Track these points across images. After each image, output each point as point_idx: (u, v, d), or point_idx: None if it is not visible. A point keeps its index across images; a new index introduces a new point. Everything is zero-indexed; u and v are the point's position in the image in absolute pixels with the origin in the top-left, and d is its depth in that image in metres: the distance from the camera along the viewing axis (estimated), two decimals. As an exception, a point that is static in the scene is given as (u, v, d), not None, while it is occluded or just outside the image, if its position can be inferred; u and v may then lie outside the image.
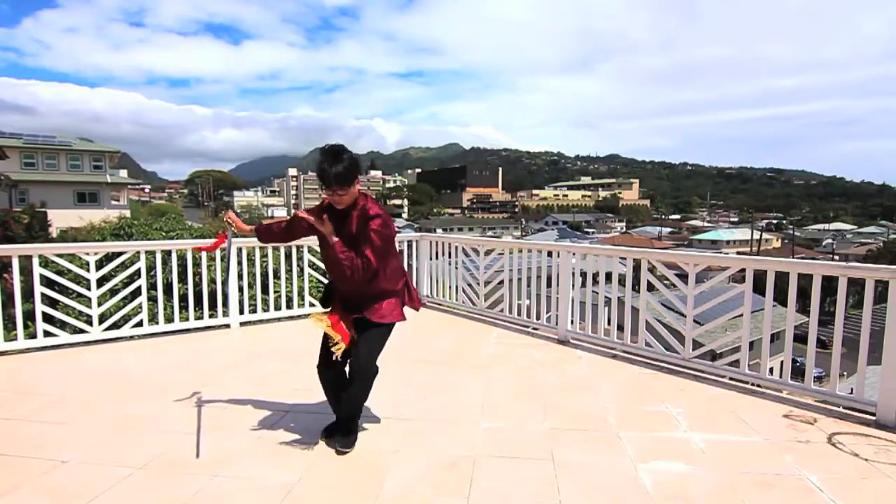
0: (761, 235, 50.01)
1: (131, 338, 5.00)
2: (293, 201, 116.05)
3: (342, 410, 2.78)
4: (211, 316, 5.39)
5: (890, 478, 2.49)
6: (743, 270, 3.92)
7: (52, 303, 4.79)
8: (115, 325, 4.85)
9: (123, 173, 38.81)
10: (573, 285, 4.97)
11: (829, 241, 63.11)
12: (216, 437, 2.87)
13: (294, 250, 5.85)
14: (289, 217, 2.98)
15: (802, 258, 28.96)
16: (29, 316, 4.64)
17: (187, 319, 5.18)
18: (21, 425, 3.03)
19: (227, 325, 5.36)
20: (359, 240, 2.53)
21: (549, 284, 5.25)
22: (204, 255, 5.49)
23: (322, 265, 6.22)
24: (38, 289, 4.43)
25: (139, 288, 4.89)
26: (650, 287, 4.57)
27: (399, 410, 3.25)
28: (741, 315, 3.96)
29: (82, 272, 4.73)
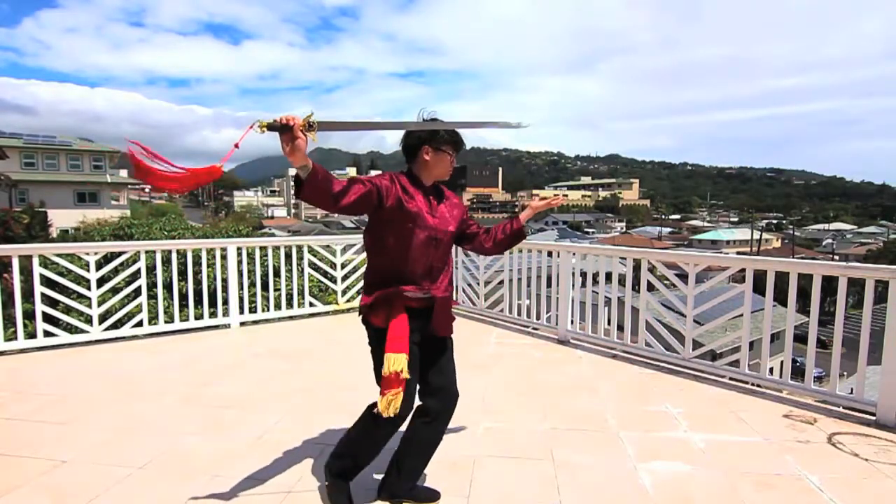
0: (761, 235, 50.03)
1: (131, 338, 5.00)
2: (293, 201, 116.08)
3: (416, 469, 2.22)
4: (211, 315, 5.40)
5: (890, 478, 2.49)
6: (743, 270, 3.92)
7: (52, 303, 4.79)
8: (115, 325, 4.85)
9: (123, 173, 38.81)
10: (573, 285, 4.97)
11: (829, 241, 63.11)
12: (216, 437, 2.87)
13: (294, 250, 5.86)
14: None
15: (802, 258, 28.96)
16: (29, 316, 4.65)
17: (187, 319, 5.18)
18: (21, 425, 3.03)
19: (227, 325, 5.36)
20: (458, 216, 2.27)
21: (549, 284, 5.25)
22: (204, 254, 5.49)
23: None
24: (38, 289, 4.43)
25: (139, 288, 4.89)
26: (650, 287, 4.57)
27: (399, 410, 3.25)
28: (741, 315, 3.96)
29: (82, 272, 4.73)
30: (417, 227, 2.08)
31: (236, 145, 1.75)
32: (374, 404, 2.08)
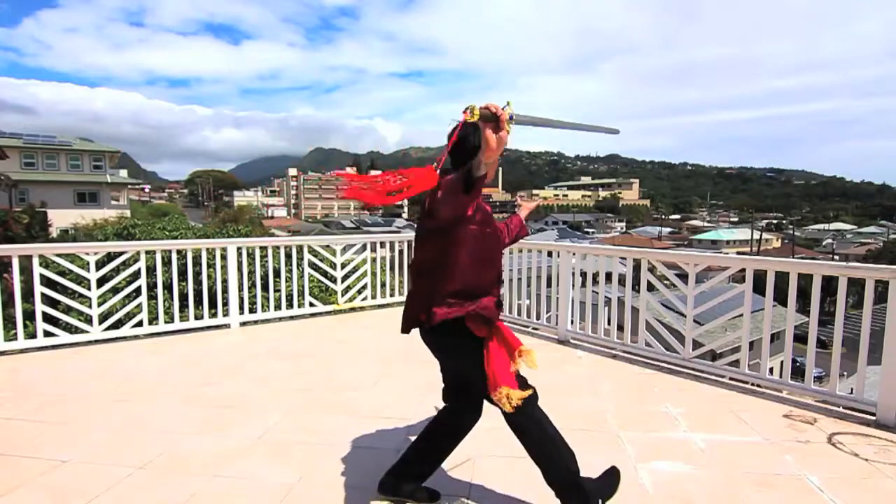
0: (761, 235, 50.02)
1: (132, 338, 5.00)
2: (293, 201, 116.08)
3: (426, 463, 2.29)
4: (211, 315, 5.40)
5: (890, 478, 2.49)
6: (743, 270, 3.92)
7: (53, 303, 4.79)
8: (116, 325, 4.85)
9: (123, 173, 38.83)
10: (573, 285, 4.97)
11: (829, 241, 63.11)
12: (216, 437, 2.87)
13: (294, 250, 5.86)
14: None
15: (802, 258, 28.96)
16: (29, 316, 4.65)
17: (187, 319, 5.18)
18: (21, 425, 3.03)
19: (228, 325, 5.36)
20: None
21: (549, 284, 5.25)
22: (204, 254, 5.47)
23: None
24: (38, 289, 4.43)
25: (139, 288, 4.89)
26: (650, 287, 4.57)
27: (400, 410, 3.25)
28: (741, 315, 3.96)
29: (82, 272, 4.73)
30: (493, 232, 2.06)
31: (453, 137, 1.58)
32: (531, 427, 2.06)
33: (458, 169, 2.02)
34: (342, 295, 6.14)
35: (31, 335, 4.50)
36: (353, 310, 6.20)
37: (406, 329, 2.13)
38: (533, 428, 2.07)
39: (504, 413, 2.02)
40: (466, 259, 1.99)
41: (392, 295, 6.58)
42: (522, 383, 2.04)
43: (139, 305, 4.90)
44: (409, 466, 2.25)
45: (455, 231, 1.97)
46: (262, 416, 3.13)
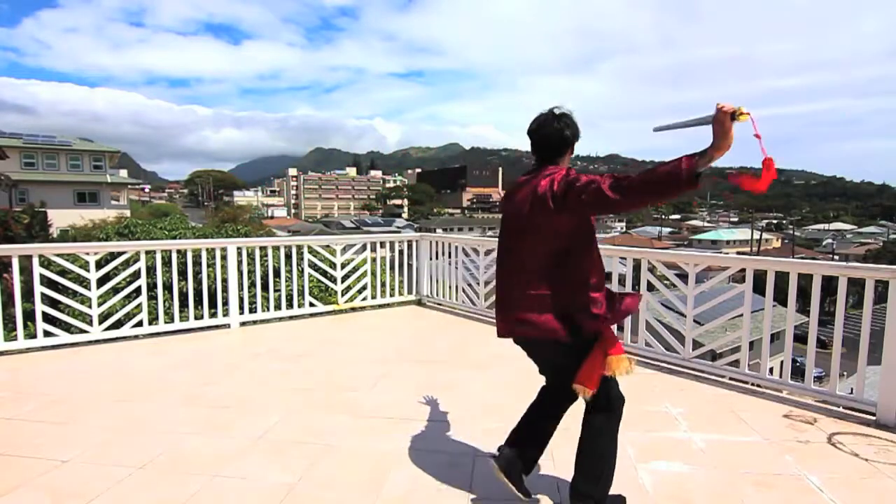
0: (761, 235, 50.02)
1: (132, 338, 5.00)
2: (293, 201, 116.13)
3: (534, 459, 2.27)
4: (211, 315, 5.39)
5: (890, 478, 2.49)
6: (743, 270, 3.92)
7: (53, 303, 4.79)
8: (116, 325, 4.85)
9: (123, 173, 38.82)
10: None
11: (829, 241, 63.07)
12: (216, 437, 2.87)
13: (294, 250, 5.86)
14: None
15: (802, 258, 28.95)
16: (29, 316, 4.65)
17: (187, 319, 5.17)
18: (21, 425, 3.03)
19: (228, 325, 5.36)
20: None
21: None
22: (204, 254, 5.47)
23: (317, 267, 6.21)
24: (38, 289, 4.43)
25: (139, 288, 4.89)
26: (650, 287, 4.57)
27: (400, 409, 3.26)
28: (741, 315, 3.96)
29: (82, 272, 4.73)
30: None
31: (758, 135, 1.67)
32: (601, 416, 2.06)
33: (546, 164, 2.03)
34: (342, 295, 6.14)
35: (32, 335, 4.50)
36: (353, 310, 6.20)
37: (558, 338, 2.01)
38: (607, 434, 2.08)
39: (595, 405, 2.04)
40: (588, 257, 2.01)
41: (392, 295, 6.58)
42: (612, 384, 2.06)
43: (139, 305, 4.90)
44: (522, 452, 2.20)
45: (586, 226, 1.99)
46: (262, 416, 3.13)
